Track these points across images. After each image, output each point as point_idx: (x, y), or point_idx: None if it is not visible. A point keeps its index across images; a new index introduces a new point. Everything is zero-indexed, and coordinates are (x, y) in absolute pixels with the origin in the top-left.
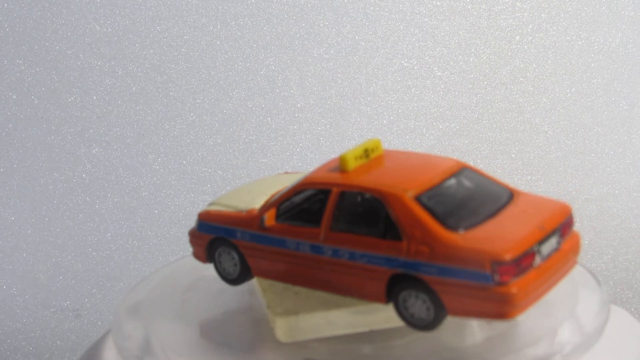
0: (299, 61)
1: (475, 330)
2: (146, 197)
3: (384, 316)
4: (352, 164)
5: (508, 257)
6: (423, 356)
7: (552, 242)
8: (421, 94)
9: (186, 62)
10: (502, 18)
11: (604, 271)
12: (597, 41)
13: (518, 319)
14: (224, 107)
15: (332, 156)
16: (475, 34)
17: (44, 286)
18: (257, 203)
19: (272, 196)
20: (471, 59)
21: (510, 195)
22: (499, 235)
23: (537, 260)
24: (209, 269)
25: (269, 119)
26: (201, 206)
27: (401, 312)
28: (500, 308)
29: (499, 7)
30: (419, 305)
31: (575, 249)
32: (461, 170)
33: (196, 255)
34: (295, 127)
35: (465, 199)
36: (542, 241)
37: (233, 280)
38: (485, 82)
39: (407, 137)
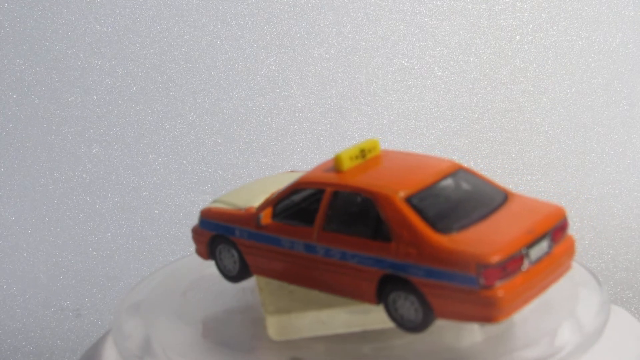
0: (299, 61)
1: (475, 330)
2: (146, 197)
3: (377, 317)
4: (347, 164)
5: (493, 260)
6: (423, 356)
7: (543, 246)
8: (421, 94)
9: (186, 62)
10: (502, 18)
11: (604, 271)
12: (597, 41)
13: (518, 319)
14: (224, 107)
15: (332, 156)
16: (475, 34)
17: (44, 286)
18: (257, 201)
19: (271, 195)
20: (471, 59)
21: (504, 198)
22: (486, 238)
23: (526, 264)
24: (209, 268)
25: (269, 118)
26: (201, 206)
27: (391, 313)
28: (486, 311)
29: (499, 7)
30: (407, 306)
31: (569, 252)
32: (456, 171)
33: (198, 252)
34: (295, 127)
35: (457, 201)
36: (530, 245)
37: (233, 277)
38: (485, 82)
39: (407, 137)
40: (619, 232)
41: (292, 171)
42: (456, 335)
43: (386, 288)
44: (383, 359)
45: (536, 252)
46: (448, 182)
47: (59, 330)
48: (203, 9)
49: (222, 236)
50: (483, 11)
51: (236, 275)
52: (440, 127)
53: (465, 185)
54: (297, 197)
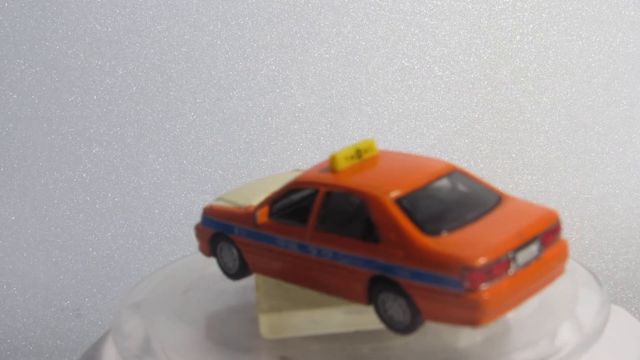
0: (299, 61)
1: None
2: (146, 196)
3: (371, 317)
4: (341, 164)
5: (478, 263)
6: (423, 356)
7: (532, 250)
8: (421, 94)
9: (186, 62)
10: (502, 18)
11: (604, 271)
12: (597, 41)
13: (518, 319)
14: (224, 107)
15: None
16: (475, 34)
17: (44, 286)
18: (257, 200)
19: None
20: (471, 59)
21: (497, 200)
22: (472, 241)
23: (512, 267)
24: (209, 268)
25: (269, 118)
26: (201, 206)
27: (381, 314)
28: (471, 315)
29: (499, 7)
30: (396, 308)
31: (561, 257)
32: (450, 173)
33: (201, 249)
34: (295, 126)
35: (449, 203)
36: (518, 248)
37: (233, 275)
38: (486, 82)
39: (407, 137)
40: (619, 232)
41: (296, 170)
42: (455, 335)
43: (376, 289)
44: (382, 359)
45: (524, 255)
46: (441, 183)
47: (59, 330)
48: (203, 9)
49: (222, 234)
50: (483, 11)
51: (236, 273)
52: (440, 127)
53: (458, 187)
54: (292, 197)
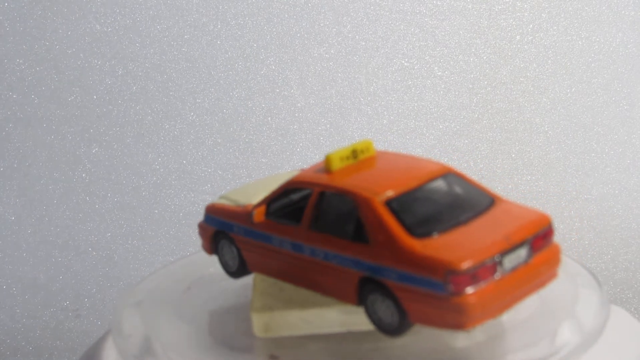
0: (299, 61)
1: (475, 330)
2: (146, 196)
3: (362, 318)
4: (336, 165)
5: (462, 266)
6: (423, 356)
7: (520, 254)
8: (421, 94)
9: (186, 62)
10: (502, 18)
11: (604, 271)
12: (597, 41)
13: (518, 319)
14: (224, 107)
15: None
16: (475, 34)
17: (44, 286)
18: (257, 199)
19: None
20: (471, 59)
21: (490, 203)
22: (459, 245)
23: (499, 272)
24: (209, 268)
25: (269, 118)
26: (201, 206)
27: (371, 316)
28: (455, 318)
29: (499, 7)
30: (384, 310)
31: (552, 262)
32: (444, 175)
33: (203, 246)
34: (295, 126)
35: (440, 205)
36: (505, 252)
37: (233, 273)
38: (485, 82)
39: (407, 137)
40: (619, 232)
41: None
42: (456, 335)
43: (365, 290)
44: (382, 359)
45: (511, 260)
46: (434, 185)
47: (59, 330)
48: (203, 9)
49: (223, 232)
50: (483, 11)
51: (236, 271)
52: (440, 127)
53: (451, 189)
54: (288, 197)
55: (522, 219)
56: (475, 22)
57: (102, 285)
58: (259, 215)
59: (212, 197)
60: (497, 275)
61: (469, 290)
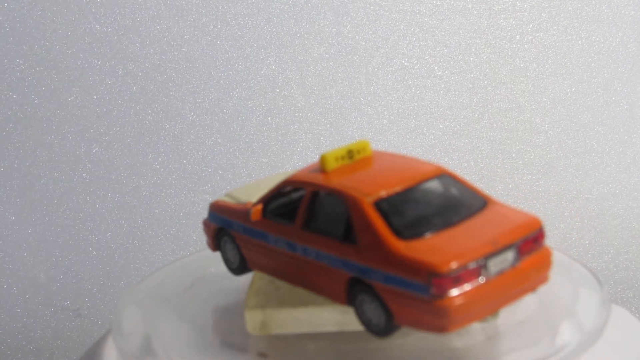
0: (299, 61)
1: (475, 330)
2: (146, 196)
3: (353, 318)
4: (331, 165)
5: (444, 269)
6: (423, 356)
7: (507, 258)
8: (421, 94)
9: (186, 62)
10: (502, 18)
11: (604, 270)
12: (597, 41)
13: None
14: (224, 107)
15: None
16: (475, 33)
17: (44, 286)
18: (257, 197)
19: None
20: (471, 59)
21: (482, 205)
22: (443, 247)
23: (483, 275)
24: (209, 268)
25: (269, 118)
26: (202, 206)
27: (360, 316)
28: (437, 321)
29: (499, 7)
30: (372, 310)
31: (541, 265)
32: (438, 176)
33: (208, 243)
34: (295, 126)
35: (431, 207)
36: (490, 256)
37: (234, 270)
38: (485, 82)
39: (407, 137)
40: (619, 232)
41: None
42: (456, 335)
43: (354, 290)
44: (382, 358)
45: (497, 263)
46: (427, 186)
47: (60, 329)
48: (203, 9)
49: (224, 229)
50: (483, 11)
51: (237, 267)
52: (440, 127)
53: (444, 191)
54: (285, 196)
55: (512, 222)
56: (475, 22)
57: (102, 285)
58: (256, 214)
59: (212, 197)
60: (482, 279)
61: (452, 293)
